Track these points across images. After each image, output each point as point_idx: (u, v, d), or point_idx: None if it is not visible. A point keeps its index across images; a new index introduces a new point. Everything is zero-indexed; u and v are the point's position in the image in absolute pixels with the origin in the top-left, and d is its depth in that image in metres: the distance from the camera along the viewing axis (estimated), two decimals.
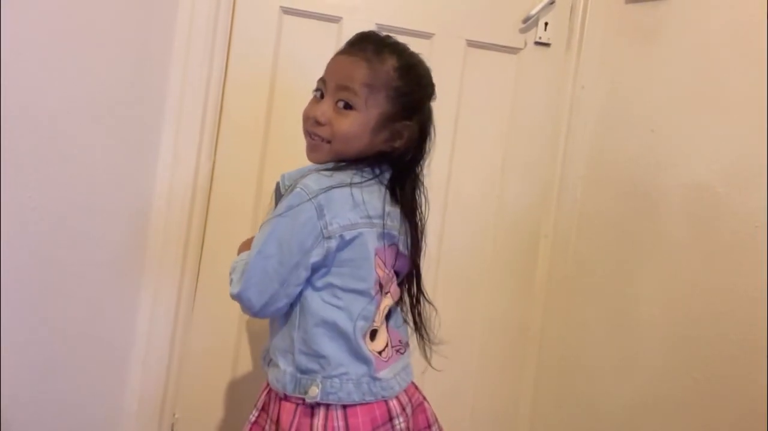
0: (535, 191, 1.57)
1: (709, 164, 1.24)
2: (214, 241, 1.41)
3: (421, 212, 0.98)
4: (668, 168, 1.31)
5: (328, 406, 0.88)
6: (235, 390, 1.45)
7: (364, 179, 0.90)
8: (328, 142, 0.91)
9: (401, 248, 0.94)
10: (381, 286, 0.94)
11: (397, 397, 0.92)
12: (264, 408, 0.97)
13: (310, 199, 0.84)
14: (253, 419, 0.97)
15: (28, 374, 1.02)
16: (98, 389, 1.27)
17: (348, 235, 0.87)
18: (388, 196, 0.93)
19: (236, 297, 0.87)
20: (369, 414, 0.89)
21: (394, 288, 0.99)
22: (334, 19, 1.44)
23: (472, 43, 1.51)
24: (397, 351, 0.98)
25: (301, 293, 0.89)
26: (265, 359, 0.99)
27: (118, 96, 1.17)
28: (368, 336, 0.93)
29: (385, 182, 0.93)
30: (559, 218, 1.54)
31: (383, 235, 0.91)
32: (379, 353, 0.93)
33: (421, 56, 0.97)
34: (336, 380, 0.87)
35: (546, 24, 1.54)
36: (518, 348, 1.58)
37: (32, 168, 0.95)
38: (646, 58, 1.39)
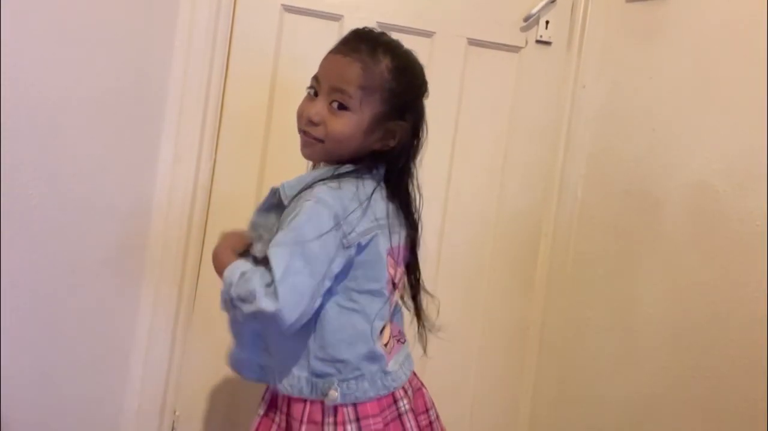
0: (535, 189, 1.57)
1: (710, 162, 1.24)
2: (215, 239, 1.40)
3: (416, 205, 0.99)
4: (669, 167, 1.31)
5: None
6: (236, 387, 1.45)
7: (367, 185, 0.91)
8: (321, 141, 0.92)
9: (403, 242, 0.97)
10: (394, 285, 0.96)
11: None
12: (272, 402, 0.97)
13: (327, 212, 0.84)
14: (262, 412, 0.97)
15: (29, 372, 1.02)
16: (99, 386, 1.28)
17: (364, 240, 0.88)
18: (385, 193, 0.94)
19: (272, 314, 0.80)
20: (377, 399, 0.91)
21: (401, 283, 1.01)
22: (336, 17, 1.44)
23: (472, 42, 1.51)
24: (398, 341, 1.00)
25: None
26: (247, 369, 0.96)
27: (119, 94, 1.17)
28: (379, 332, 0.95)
29: (381, 180, 0.95)
30: (559, 217, 1.54)
31: (391, 235, 0.93)
32: (384, 345, 0.95)
33: (414, 53, 0.97)
34: (352, 382, 0.89)
35: (547, 23, 1.54)
36: (518, 345, 1.58)
37: (32, 166, 0.95)
38: (647, 57, 1.39)
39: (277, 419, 0.95)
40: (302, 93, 1.01)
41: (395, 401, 0.93)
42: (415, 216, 0.99)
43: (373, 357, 0.91)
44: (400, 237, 0.96)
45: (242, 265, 0.86)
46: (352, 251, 0.87)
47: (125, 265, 1.30)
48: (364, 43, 0.92)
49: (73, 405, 1.17)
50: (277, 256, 0.81)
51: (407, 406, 0.94)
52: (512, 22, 1.53)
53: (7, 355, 0.93)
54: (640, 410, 1.31)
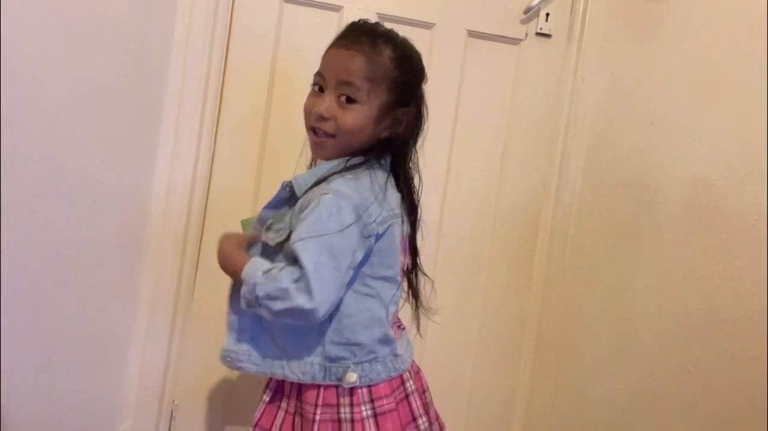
0: (534, 182, 1.57)
1: (708, 157, 1.24)
2: (213, 231, 1.41)
3: (416, 189, 1.02)
4: (667, 161, 1.31)
5: None
6: (234, 376, 1.45)
7: (379, 175, 0.94)
8: (333, 136, 0.93)
9: (408, 230, 1.00)
10: (404, 271, 1.00)
11: None
12: (278, 389, 0.98)
13: (348, 204, 0.86)
14: (267, 399, 0.98)
15: (28, 363, 1.03)
16: (99, 377, 1.28)
17: (381, 229, 0.91)
18: (393, 181, 0.97)
19: (309, 311, 0.82)
20: (388, 381, 0.94)
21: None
22: (335, 8, 1.44)
23: (472, 34, 1.51)
24: (399, 327, 1.03)
25: None
26: (248, 361, 0.94)
27: (118, 86, 1.17)
28: None
29: (390, 169, 0.97)
30: (558, 210, 1.55)
31: (402, 223, 0.96)
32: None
33: (411, 41, 0.99)
34: (367, 365, 0.91)
35: (547, 15, 1.53)
36: (516, 338, 1.59)
37: (31, 160, 0.95)
38: (646, 50, 1.39)
39: (284, 405, 0.96)
40: (302, 84, 1.01)
41: (403, 382, 0.97)
42: (415, 198, 1.02)
43: (386, 341, 0.94)
44: (406, 227, 0.99)
45: (260, 263, 0.87)
46: (372, 240, 0.90)
47: (124, 258, 1.30)
48: (365, 36, 0.94)
49: (73, 395, 1.18)
50: (305, 251, 0.82)
51: (413, 386, 0.99)
52: (512, 14, 1.52)
53: (6, 347, 0.93)
54: (636, 401, 1.32)
